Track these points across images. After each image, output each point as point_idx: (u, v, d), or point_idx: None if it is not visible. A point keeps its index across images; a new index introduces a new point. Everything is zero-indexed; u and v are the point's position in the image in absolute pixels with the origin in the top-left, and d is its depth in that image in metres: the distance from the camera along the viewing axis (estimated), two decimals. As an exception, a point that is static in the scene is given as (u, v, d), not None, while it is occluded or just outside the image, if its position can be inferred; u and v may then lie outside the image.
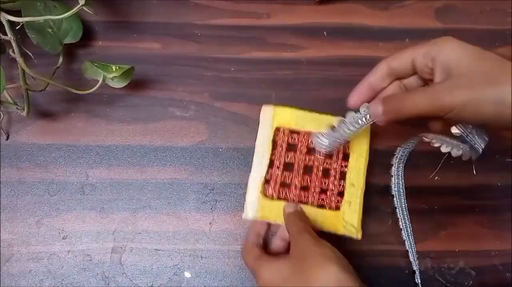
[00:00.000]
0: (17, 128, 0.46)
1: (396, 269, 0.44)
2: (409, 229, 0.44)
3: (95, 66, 0.43)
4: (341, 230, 0.41)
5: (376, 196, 0.45)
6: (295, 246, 0.35)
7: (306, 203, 0.42)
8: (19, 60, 0.41)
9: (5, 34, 0.40)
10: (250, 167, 0.44)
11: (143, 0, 0.50)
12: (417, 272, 0.43)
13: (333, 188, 0.43)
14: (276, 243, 0.41)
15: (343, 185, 0.43)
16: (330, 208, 0.42)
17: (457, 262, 0.45)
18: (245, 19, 0.50)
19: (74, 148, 0.45)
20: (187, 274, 0.43)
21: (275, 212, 0.41)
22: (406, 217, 0.44)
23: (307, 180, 0.43)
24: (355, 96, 0.36)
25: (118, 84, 0.44)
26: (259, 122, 0.46)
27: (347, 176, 0.43)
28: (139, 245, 0.43)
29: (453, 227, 0.46)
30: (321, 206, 0.42)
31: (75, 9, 0.40)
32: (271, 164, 0.43)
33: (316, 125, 0.43)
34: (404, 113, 0.32)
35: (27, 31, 0.42)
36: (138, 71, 0.47)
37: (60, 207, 0.44)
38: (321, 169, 0.43)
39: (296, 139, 0.44)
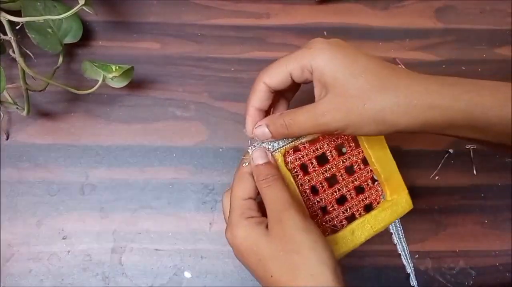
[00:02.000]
0: (17, 128, 0.46)
1: (396, 269, 0.44)
2: (400, 232, 0.44)
3: (95, 66, 0.43)
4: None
5: (376, 196, 0.45)
6: (278, 224, 0.30)
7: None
8: (19, 60, 0.41)
9: (5, 34, 0.40)
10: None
11: (143, 0, 0.50)
12: (411, 275, 0.43)
13: (334, 218, 0.36)
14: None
15: (342, 225, 0.36)
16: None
17: (457, 262, 0.45)
18: (245, 19, 0.50)
19: (74, 148, 0.45)
20: (187, 274, 0.43)
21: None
22: (397, 220, 0.44)
23: (323, 186, 0.36)
24: (250, 126, 0.34)
25: (118, 84, 0.44)
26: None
27: (354, 223, 0.36)
28: (139, 245, 0.43)
29: (453, 227, 0.46)
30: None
31: (75, 9, 0.40)
32: (314, 140, 0.36)
33: (378, 156, 0.37)
34: (293, 133, 0.32)
35: (27, 31, 0.42)
36: (138, 71, 0.47)
37: (60, 207, 0.44)
38: (342, 192, 0.36)
39: (350, 148, 0.37)
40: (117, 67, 0.43)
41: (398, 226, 0.44)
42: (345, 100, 0.30)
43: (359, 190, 0.37)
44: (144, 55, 0.48)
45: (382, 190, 0.38)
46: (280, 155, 0.34)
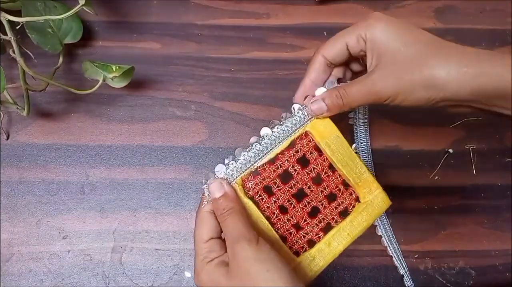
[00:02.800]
0: (17, 128, 0.46)
1: (396, 269, 0.44)
2: (389, 233, 0.44)
3: (95, 66, 0.43)
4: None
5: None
6: (233, 259, 0.29)
7: (272, 225, 0.34)
8: (19, 60, 0.41)
9: (5, 34, 0.40)
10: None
11: (143, 0, 0.50)
12: (405, 276, 0.43)
13: (309, 232, 0.35)
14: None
15: (319, 237, 0.35)
16: (290, 248, 0.34)
17: (457, 262, 0.45)
18: (245, 19, 0.50)
19: (74, 147, 0.45)
20: (187, 274, 0.43)
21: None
22: (385, 222, 0.44)
23: (291, 203, 0.34)
24: (300, 94, 0.36)
25: (118, 84, 0.44)
26: (259, 122, 0.46)
27: (331, 232, 0.34)
28: (139, 244, 0.43)
29: (453, 227, 0.46)
30: (282, 239, 0.34)
31: (75, 9, 0.40)
32: (272, 160, 0.34)
33: (344, 161, 0.35)
34: (347, 106, 0.33)
35: (27, 31, 0.42)
36: (138, 71, 0.47)
37: (60, 207, 0.44)
38: (313, 205, 0.35)
39: (314, 158, 0.35)
40: (117, 67, 0.43)
41: (388, 227, 0.44)
42: (396, 68, 0.31)
43: (331, 197, 0.35)
44: (144, 55, 0.48)
45: (355, 192, 0.36)
46: (238, 184, 0.33)
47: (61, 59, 0.45)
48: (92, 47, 0.48)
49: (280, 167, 0.34)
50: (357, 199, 0.36)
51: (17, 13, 0.41)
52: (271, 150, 0.34)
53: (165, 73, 0.48)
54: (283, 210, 0.34)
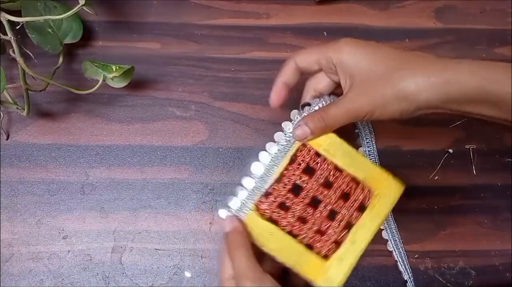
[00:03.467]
0: (17, 128, 0.46)
1: (396, 269, 0.44)
2: (396, 238, 0.44)
3: (95, 66, 0.43)
4: (319, 283, 0.35)
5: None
6: None
7: (297, 236, 0.35)
8: (19, 60, 0.41)
9: (5, 34, 0.40)
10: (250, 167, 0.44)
11: (143, 0, 0.50)
12: (409, 282, 0.43)
13: (332, 234, 0.35)
14: None
15: (343, 236, 0.35)
16: (319, 254, 0.35)
17: (457, 262, 0.45)
18: (245, 19, 0.50)
19: (74, 148, 0.45)
20: (187, 274, 0.43)
21: (259, 231, 0.35)
22: (393, 226, 0.44)
23: (308, 212, 0.35)
24: (275, 97, 0.37)
25: (118, 84, 0.44)
26: (259, 122, 0.46)
27: (353, 229, 0.35)
28: (139, 244, 0.43)
29: (453, 227, 0.46)
30: (310, 247, 0.35)
31: (75, 9, 0.40)
32: (279, 179, 0.36)
33: (346, 161, 0.36)
34: (329, 128, 0.35)
35: (27, 31, 0.42)
36: (138, 71, 0.47)
37: (60, 207, 0.44)
38: (329, 208, 0.36)
39: (318, 165, 0.36)
40: (117, 67, 0.43)
41: (395, 232, 0.44)
42: (369, 86, 0.33)
43: (345, 196, 0.36)
44: (144, 55, 0.48)
45: (367, 186, 0.36)
46: (253, 211, 0.35)
47: (61, 59, 0.45)
48: (92, 47, 0.48)
49: (289, 182, 0.36)
50: (370, 192, 0.36)
51: (17, 13, 0.41)
52: (273, 171, 0.36)
53: (165, 73, 0.48)
54: (302, 221, 0.35)
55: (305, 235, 0.35)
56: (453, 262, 0.45)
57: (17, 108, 0.42)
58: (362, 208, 0.36)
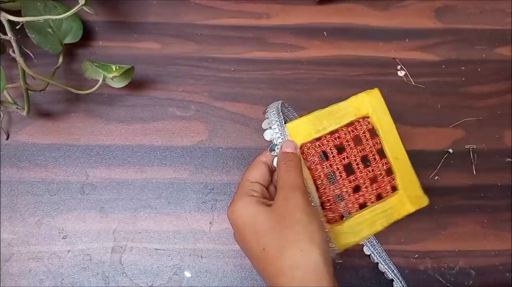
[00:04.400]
0: (17, 128, 0.46)
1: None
2: (372, 240, 0.43)
3: (95, 66, 0.43)
4: (412, 208, 0.38)
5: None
6: (283, 201, 0.31)
7: (366, 204, 0.38)
8: (19, 60, 0.41)
9: (5, 34, 0.40)
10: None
11: (143, 0, 0.50)
12: (395, 280, 0.43)
13: (380, 170, 0.38)
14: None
15: (386, 162, 0.38)
16: (387, 194, 0.38)
17: (457, 262, 0.45)
18: (245, 19, 0.50)
19: (74, 148, 0.46)
20: (187, 274, 0.43)
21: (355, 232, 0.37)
22: None
23: (352, 180, 0.38)
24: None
25: (118, 84, 0.44)
26: (259, 122, 0.45)
27: (386, 151, 0.38)
28: (139, 244, 0.43)
29: (453, 227, 0.46)
30: (379, 197, 0.38)
31: (75, 9, 0.40)
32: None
33: (334, 120, 0.37)
34: None
35: (27, 31, 0.42)
36: (138, 71, 0.47)
37: (60, 207, 0.44)
38: (359, 159, 0.38)
39: (322, 145, 0.37)
40: (117, 67, 0.43)
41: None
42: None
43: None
44: (144, 55, 0.48)
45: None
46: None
47: (61, 59, 0.45)
48: (92, 47, 0.48)
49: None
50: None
51: (17, 13, 0.41)
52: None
53: (165, 73, 0.48)
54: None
55: (369, 195, 0.38)
56: (453, 262, 0.45)
57: (17, 108, 0.42)
58: (373, 132, 0.39)
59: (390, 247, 0.44)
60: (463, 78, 0.50)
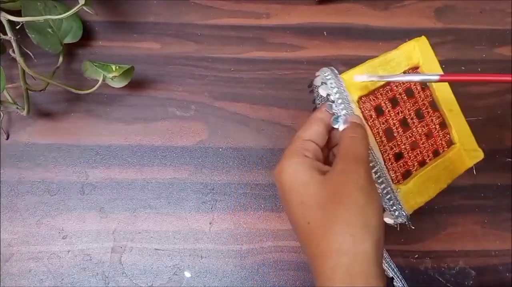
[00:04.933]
0: (17, 128, 0.46)
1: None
2: None
3: (95, 66, 0.43)
4: (470, 163, 0.37)
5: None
6: (341, 173, 0.27)
7: (424, 161, 0.36)
8: (19, 60, 0.41)
9: (5, 34, 0.40)
10: (250, 167, 0.44)
11: (143, 0, 0.50)
12: (395, 278, 0.42)
13: (434, 124, 0.37)
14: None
15: (439, 115, 0.37)
16: (443, 149, 0.37)
17: (457, 262, 0.45)
18: (245, 19, 0.50)
19: (74, 147, 0.45)
20: (187, 274, 0.43)
21: None
22: None
23: (409, 136, 0.36)
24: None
25: (118, 84, 0.44)
26: (259, 122, 0.45)
27: (440, 104, 0.37)
28: (139, 244, 0.43)
29: (453, 227, 0.46)
30: (435, 154, 0.37)
31: (75, 9, 0.40)
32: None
33: (388, 69, 0.36)
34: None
35: (27, 31, 0.42)
36: (138, 71, 0.47)
37: (60, 207, 0.44)
38: (413, 113, 0.36)
39: (377, 98, 0.36)
40: (117, 67, 0.43)
41: None
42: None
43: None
44: (144, 55, 0.48)
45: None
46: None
47: (61, 59, 0.45)
48: (92, 47, 0.48)
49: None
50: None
51: (17, 13, 0.41)
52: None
53: (165, 73, 0.48)
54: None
55: (427, 150, 0.37)
56: (453, 262, 0.45)
57: (17, 108, 0.42)
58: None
59: (390, 247, 0.44)
60: (463, 78, 0.50)
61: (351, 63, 0.49)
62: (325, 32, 0.50)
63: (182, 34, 0.49)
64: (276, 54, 0.49)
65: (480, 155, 0.37)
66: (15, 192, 0.44)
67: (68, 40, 0.45)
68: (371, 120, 0.35)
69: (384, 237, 0.27)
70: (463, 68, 0.50)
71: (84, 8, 0.40)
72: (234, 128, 0.47)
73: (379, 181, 0.34)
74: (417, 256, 0.44)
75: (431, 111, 0.37)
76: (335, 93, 0.33)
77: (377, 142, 0.35)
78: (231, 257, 0.43)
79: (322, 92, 0.33)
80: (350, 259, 0.25)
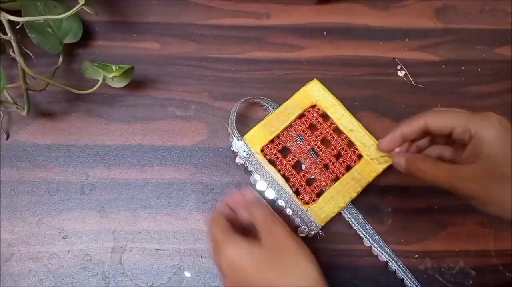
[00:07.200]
0: (17, 128, 0.46)
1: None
2: (379, 242, 0.43)
3: (95, 66, 0.43)
4: (380, 168, 0.43)
5: (376, 196, 0.45)
6: (267, 234, 0.33)
7: (338, 177, 0.43)
8: (19, 60, 0.41)
9: (5, 34, 0.40)
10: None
11: (143, 0, 0.50)
12: (406, 279, 0.43)
13: (342, 145, 0.44)
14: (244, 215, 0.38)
15: (345, 137, 0.44)
16: (355, 163, 0.43)
17: (457, 262, 0.45)
18: (245, 19, 0.50)
19: (74, 147, 0.45)
20: (187, 274, 0.43)
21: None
22: (371, 232, 0.44)
23: (319, 162, 0.44)
24: (389, 141, 0.38)
25: (118, 84, 0.44)
26: (258, 122, 0.45)
27: (341, 128, 0.44)
28: (139, 244, 0.43)
29: (453, 227, 0.46)
30: (348, 169, 0.44)
31: (75, 9, 0.40)
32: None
33: (283, 118, 0.44)
34: (420, 175, 0.35)
35: (27, 31, 0.42)
36: (138, 71, 0.47)
37: (60, 207, 0.44)
38: (319, 142, 0.44)
39: (282, 142, 0.44)
40: (117, 67, 0.43)
41: (376, 237, 0.43)
42: (489, 177, 0.32)
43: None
44: (144, 55, 0.48)
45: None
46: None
47: (61, 59, 0.45)
48: (92, 47, 0.48)
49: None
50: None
51: (17, 13, 0.41)
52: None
53: (165, 73, 0.48)
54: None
55: (339, 169, 0.43)
56: (453, 262, 0.45)
57: (17, 108, 0.42)
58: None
59: (391, 247, 0.44)
60: (463, 78, 0.50)
61: (351, 63, 0.50)
62: (325, 32, 0.50)
63: (182, 34, 0.49)
64: (276, 54, 0.49)
65: (388, 159, 0.41)
66: (15, 192, 0.44)
67: (68, 40, 0.45)
68: (278, 161, 0.43)
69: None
70: (463, 68, 0.50)
71: (84, 8, 0.40)
72: (234, 128, 0.47)
73: (286, 207, 0.42)
74: (417, 256, 0.44)
75: (336, 136, 0.44)
76: (243, 151, 0.43)
77: (288, 175, 0.43)
78: (231, 257, 0.43)
79: (234, 148, 0.44)
80: (307, 283, 0.32)
